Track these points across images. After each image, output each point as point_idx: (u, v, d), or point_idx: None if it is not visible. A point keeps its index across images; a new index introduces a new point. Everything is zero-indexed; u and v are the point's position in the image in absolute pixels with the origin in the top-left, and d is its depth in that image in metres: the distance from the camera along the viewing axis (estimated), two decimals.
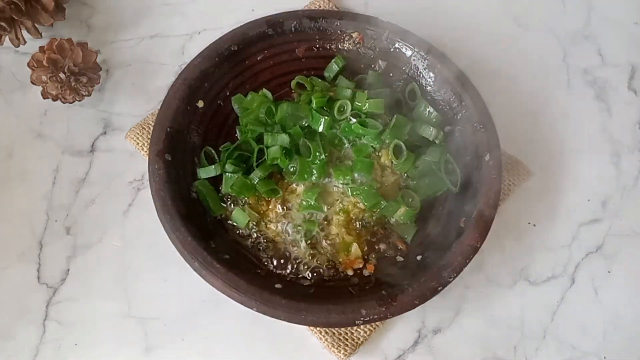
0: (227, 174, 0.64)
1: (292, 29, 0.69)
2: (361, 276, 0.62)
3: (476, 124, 0.64)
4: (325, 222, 0.64)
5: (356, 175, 0.64)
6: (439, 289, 0.57)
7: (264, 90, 0.69)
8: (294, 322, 0.56)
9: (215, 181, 0.65)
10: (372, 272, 0.62)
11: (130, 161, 0.69)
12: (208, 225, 0.62)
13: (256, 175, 0.63)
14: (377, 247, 0.64)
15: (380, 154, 0.65)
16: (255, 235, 0.64)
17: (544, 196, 0.70)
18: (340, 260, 0.63)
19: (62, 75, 0.66)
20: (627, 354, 0.63)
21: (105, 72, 0.74)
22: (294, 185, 0.64)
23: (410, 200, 0.64)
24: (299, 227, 0.63)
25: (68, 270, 0.64)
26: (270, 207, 0.64)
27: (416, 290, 0.56)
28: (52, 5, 0.70)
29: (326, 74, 0.71)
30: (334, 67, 0.71)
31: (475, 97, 0.65)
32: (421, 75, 0.69)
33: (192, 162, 0.65)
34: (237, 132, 0.68)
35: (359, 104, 0.65)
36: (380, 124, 0.64)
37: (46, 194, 0.67)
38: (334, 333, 0.61)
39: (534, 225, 0.69)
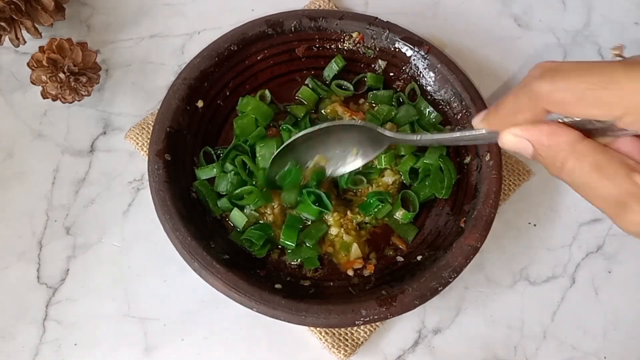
0: (225, 173, 0.64)
1: (292, 28, 0.69)
2: (361, 276, 0.62)
3: None
4: (325, 223, 0.64)
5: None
6: (439, 289, 0.57)
7: (264, 90, 0.69)
8: (294, 322, 0.55)
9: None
10: (372, 272, 0.62)
11: (130, 161, 0.69)
12: (208, 225, 0.62)
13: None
14: (377, 247, 0.64)
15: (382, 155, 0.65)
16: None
17: (544, 196, 0.70)
18: (340, 260, 0.63)
19: (61, 75, 0.66)
20: (627, 354, 0.63)
21: (105, 72, 0.74)
22: None
23: (409, 201, 0.64)
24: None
25: (68, 270, 0.64)
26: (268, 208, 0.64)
27: (416, 290, 0.56)
28: (52, 5, 0.70)
29: (326, 74, 0.71)
30: (333, 67, 0.70)
31: (475, 97, 0.65)
32: (421, 75, 0.69)
33: (192, 162, 0.65)
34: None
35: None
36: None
37: (46, 194, 0.67)
38: (334, 333, 0.61)
39: (534, 225, 0.68)
